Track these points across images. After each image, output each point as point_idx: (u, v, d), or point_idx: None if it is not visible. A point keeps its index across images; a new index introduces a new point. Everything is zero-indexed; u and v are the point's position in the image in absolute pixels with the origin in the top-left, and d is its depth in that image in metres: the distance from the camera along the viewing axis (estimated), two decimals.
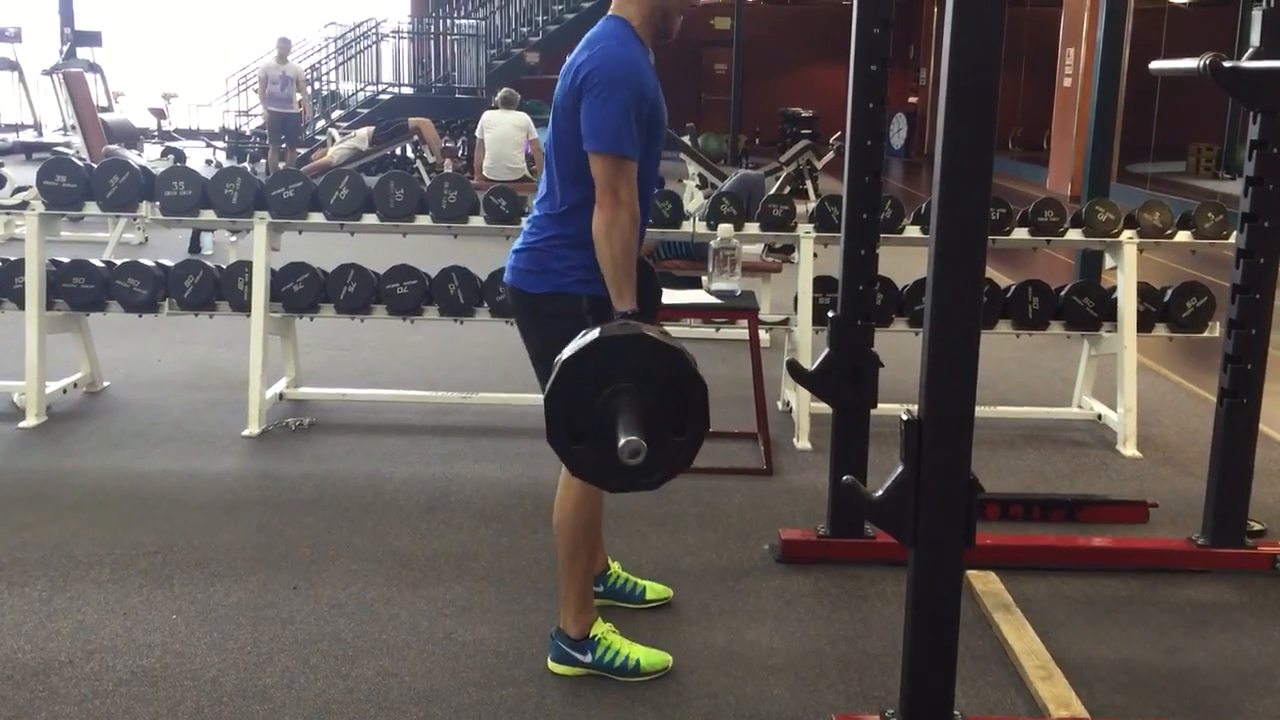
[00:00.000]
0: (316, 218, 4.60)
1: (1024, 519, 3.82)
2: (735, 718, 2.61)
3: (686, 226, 4.82)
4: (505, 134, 10.05)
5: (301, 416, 4.73)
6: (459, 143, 14.31)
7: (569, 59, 2.70)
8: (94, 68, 15.92)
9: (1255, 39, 3.14)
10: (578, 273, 2.65)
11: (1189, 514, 3.75)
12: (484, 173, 9.90)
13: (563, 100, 2.65)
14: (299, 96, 14.00)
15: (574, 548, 2.79)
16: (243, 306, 4.59)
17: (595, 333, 2.13)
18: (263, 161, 14.23)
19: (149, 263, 4.70)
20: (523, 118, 10.33)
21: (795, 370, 3.60)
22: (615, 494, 2.82)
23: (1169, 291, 4.73)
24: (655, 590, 3.16)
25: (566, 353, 2.13)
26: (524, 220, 2.87)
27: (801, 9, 24.97)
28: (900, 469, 2.28)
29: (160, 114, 19.25)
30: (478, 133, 10.23)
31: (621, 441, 1.96)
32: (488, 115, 10.26)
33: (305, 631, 2.95)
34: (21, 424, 4.55)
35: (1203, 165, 17.08)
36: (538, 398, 4.66)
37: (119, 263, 4.73)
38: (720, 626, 3.04)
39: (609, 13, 2.76)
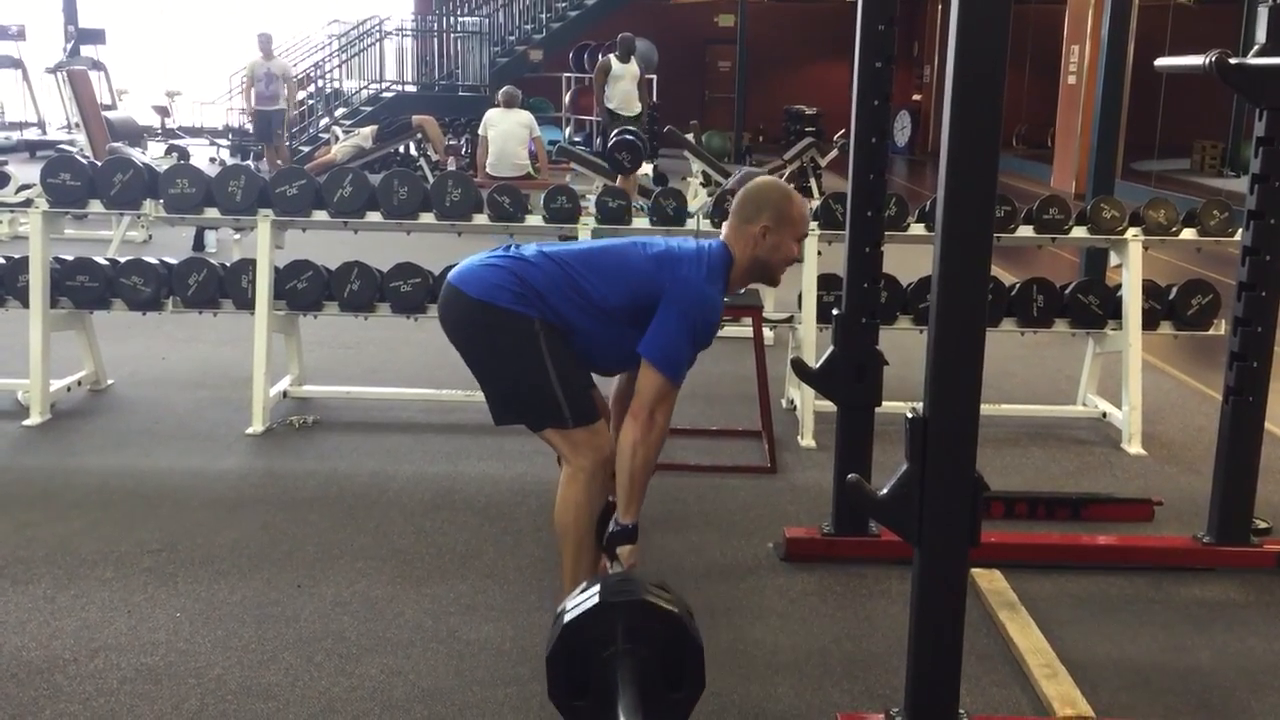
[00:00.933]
0: (320, 215, 4.60)
1: (1029, 517, 3.81)
2: (740, 716, 2.61)
3: (690, 224, 4.81)
4: (509, 131, 10.04)
5: (305, 414, 4.73)
6: (462, 140, 14.29)
7: (666, 243, 2.89)
8: (98, 65, 15.92)
9: (1261, 36, 3.13)
10: (521, 304, 2.78)
11: (1194, 512, 3.74)
12: (488, 170, 9.89)
13: (641, 266, 2.83)
14: (284, 93, 13.84)
15: (578, 548, 2.79)
16: (246, 304, 4.59)
17: (596, 596, 2.17)
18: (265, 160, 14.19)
19: (153, 260, 4.70)
20: (526, 116, 10.32)
21: (799, 368, 3.60)
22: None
23: (1174, 289, 4.72)
24: None
25: (569, 615, 2.17)
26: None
27: (806, 6, 24.93)
28: (905, 467, 2.28)
29: (164, 112, 19.24)
30: (481, 130, 10.22)
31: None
32: (491, 113, 10.26)
33: (309, 629, 2.95)
34: (25, 422, 4.55)
35: (1208, 162, 17.03)
36: None
37: (123, 260, 4.74)
38: (724, 625, 3.03)
39: (723, 237, 2.94)
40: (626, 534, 2.79)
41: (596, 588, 2.19)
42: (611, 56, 12.79)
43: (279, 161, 13.00)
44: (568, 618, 2.16)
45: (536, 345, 2.76)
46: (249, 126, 15.80)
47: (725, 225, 3.00)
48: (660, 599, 2.18)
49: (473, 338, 2.85)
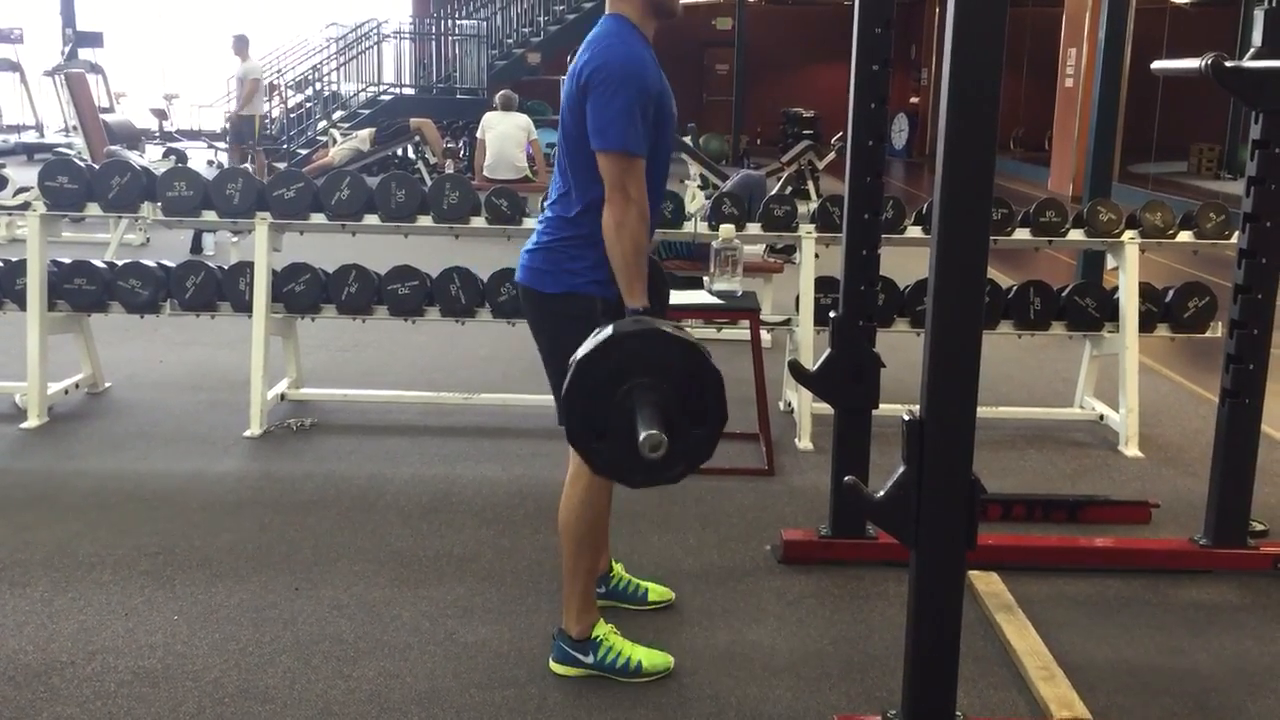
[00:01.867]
0: (318, 218, 4.60)
1: (1026, 519, 3.81)
2: (737, 718, 2.61)
3: (688, 227, 4.82)
4: (507, 133, 10.05)
5: (303, 417, 4.73)
6: (460, 143, 14.29)
7: (573, 62, 2.71)
8: (95, 68, 15.92)
9: (1257, 39, 3.14)
10: (593, 273, 2.65)
11: (1191, 514, 3.74)
12: (485, 172, 9.90)
13: (569, 102, 2.65)
14: (237, 94, 13.47)
15: (579, 548, 2.78)
16: (244, 307, 4.59)
17: (609, 330, 2.13)
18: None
19: (150, 263, 4.70)
20: (523, 119, 10.33)
21: (797, 370, 3.60)
22: (617, 494, 2.84)
23: (1171, 292, 4.73)
24: (657, 592, 3.16)
25: (582, 351, 2.13)
26: (535, 220, 2.86)
27: (803, 9, 24.96)
28: (902, 469, 2.28)
29: (162, 115, 19.26)
30: (479, 133, 10.23)
31: (642, 436, 1.96)
32: (488, 116, 10.27)
33: (307, 632, 2.95)
34: (23, 425, 4.55)
35: (1204, 165, 17.07)
36: (539, 398, 4.65)
37: (120, 263, 4.73)
38: (722, 627, 3.04)
39: (607, 12, 2.76)
40: (639, 316, 2.68)
41: (611, 325, 2.10)
42: None
43: (246, 166, 12.58)
44: (581, 354, 2.06)
45: (562, 336, 2.64)
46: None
47: None
48: (677, 331, 2.10)
49: (533, 329, 2.83)
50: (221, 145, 16.70)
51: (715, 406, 2.05)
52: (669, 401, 2.04)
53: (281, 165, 11.55)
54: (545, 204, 2.83)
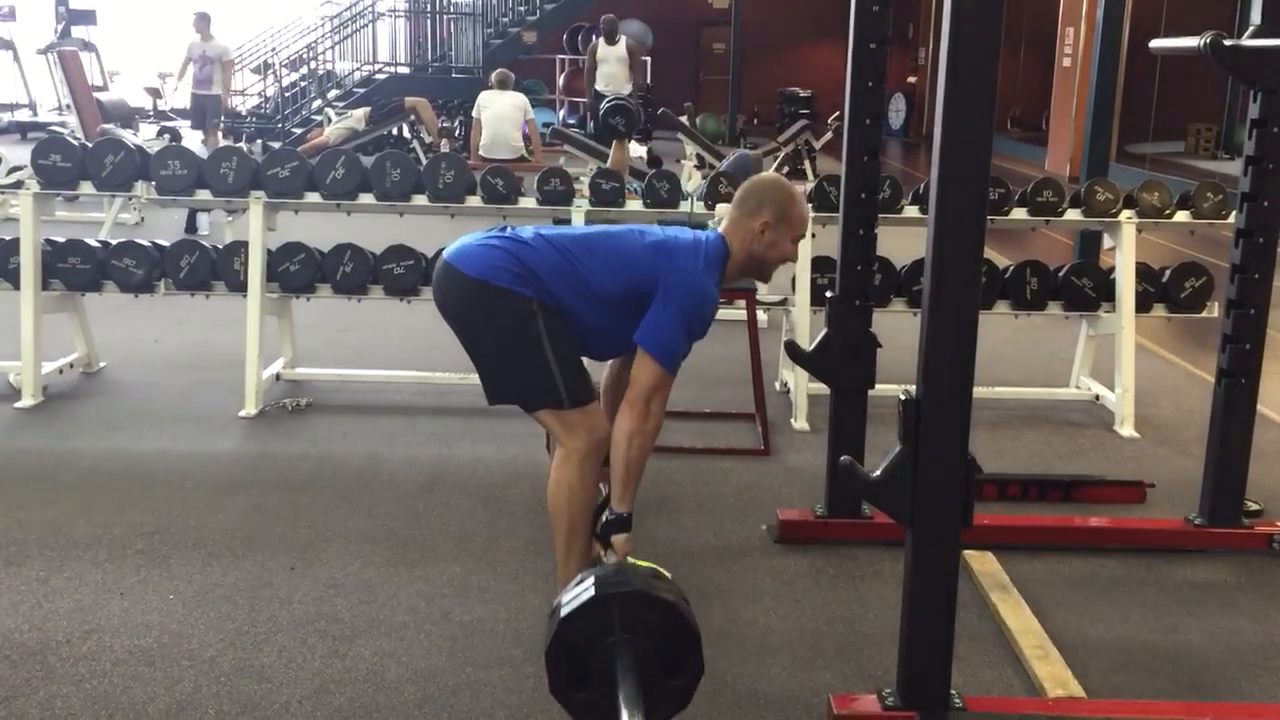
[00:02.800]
0: (313, 197, 4.59)
1: (1021, 499, 3.82)
2: (732, 697, 2.62)
3: (684, 207, 4.80)
4: (503, 112, 10.01)
5: (298, 397, 4.73)
6: (456, 123, 14.23)
7: (663, 232, 2.89)
8: (89, 46, 15.82)
9: (1255, 17, 3.12)
10: (519, 284, 2.78)
11: (1186, 494, 3.75)
12: (481, 152, 9.86)
13: (641, 254, 2.83)
14: (218, 77, 12.69)
15: (571, 532, 2.79)
16: (239, 287, 4.58)
17: (592, 591, 2.16)
18: (259, 142, 14.08)
19: (145, 243, 4.68)
20: (519, 98, 10.28)
21: (793, 351, 3.60)
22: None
23: (1168, 272, 4.73)
24: (653, 572, 3.15)
25: (565, 609, 2.16)
26: (490, 234, 2.91)
27: None
28: (898, 449, 2.28)
29: (156, 93, 19.13)
30: (474, 112, 10.19)
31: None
32: (484, 95, 10.22)
33: (303, 611, 2.95)
34: (18, 404, 4.54)
35: (1202, 145, 17.02)
36: None
37: (115, 243, 4.72)
38: (718, 606, 3.04)
39: (720, 229, 2.94)
40: (621, 523, 2.79)
41: (591, 580, 2.20)
42: (601, 40, 12.79)
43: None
44: (564, 611, 2.16)
45: (534, 325, 2.76)
46: (243, 110, 15.70)
47: (725, 217, 3.00)
48: (656, 588, 2.18)
49: (470, 316, 2.84)
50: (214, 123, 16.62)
51: (693, 660, 2.16)
52: (648, 657, 2.13)
53: (276, 145, 11.51)
54: (511, 230, 2.92)
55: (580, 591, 2.18)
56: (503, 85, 10.23)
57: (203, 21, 12.67)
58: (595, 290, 2.80)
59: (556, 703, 2.19)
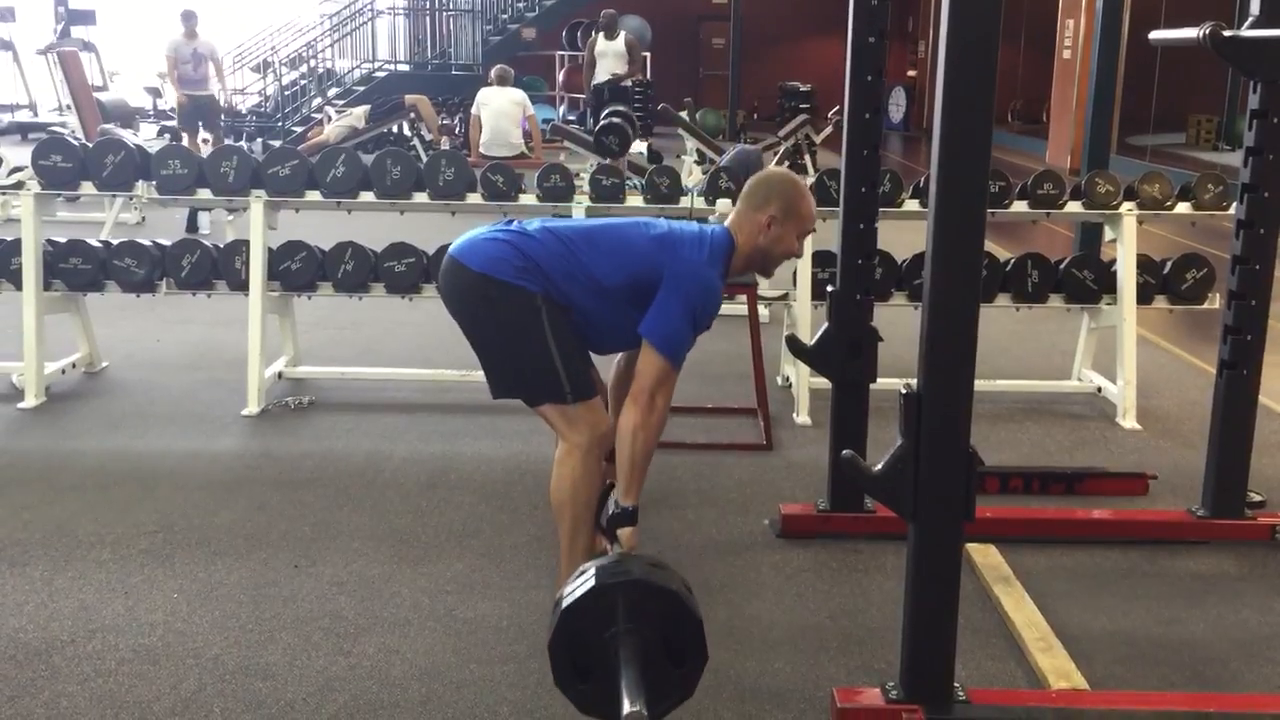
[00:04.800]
0: (313, 196, 4.59)
1: (1024, 492, 3.82)
2: (736, 691, 2.62)
3: (685, 202, 4.80)
4: (502, 109, 10.01)
5: (300, 395, 4.73)
6: (455, 120, 14.23)
7: (668, 224, 2.89)
8: (89, 46, 15.82)
9: (1255, 8, 3.12)
10: (523, 277, 2.77)
11: (1189, 486, 3.75)
12: (481, 149, 9.86)
13: (644, 246, 2.82)
14: (212, 75, 12.23)
15: (574, 527, 2.80)
16: (240, 285, 4.58)
17: (593, 580, 2.16)
18: (259, 140, 14.07)
19: (146, 242, 4.68)
20: (520, 94, 10.28)
21: (794, 345, 3.60)
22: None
23: (1169, 263, 4.73)
24: None
25: (566, 600, 2.16)
26: (497, 227, 2.91)
27: None
28: (900, 443, 2.28)
29: (156, 93, 19.13)
30: (474, 110, 10.18)
31: (625, 711, 2.04)
32: (484, 92, 10.22)
33: (306, 609, 2.96)
34: (20, 405, 4.55)
35: (1202, 137, 17.01)
36: None
37: (116, 243, 4.72)
38: (720, 601, 3.04)
39: (728, 222, 2.94)
40: (627, 516, 2.79)
41: (592, 570, 2.20)
42: (600, 35, 12.80)
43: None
44: (565, 603, 2.17)
45: (539, 319, 2.75)
46: (243, 109, 15.66)
47: (732, 210, 3.00)
48: (656, 577, 2.19)
49: (474, 310, 2.84)
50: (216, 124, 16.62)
51: (696, 647, 2.15)
52: (651, 646, 2.13)
53: (276, 143, 11.49)
54: (515, 224, 2.91)
55: (581, 583, 2.18)
56: (503, 82, 10.22)
57: (190, 20, 12.26)
58: (599, 283, 2.80)
59: (561, 696, 2.18)
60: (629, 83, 12.79)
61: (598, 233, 2.89)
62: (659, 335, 2.74)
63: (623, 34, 12.88)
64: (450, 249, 2.91)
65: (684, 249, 2.81)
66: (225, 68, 13.96)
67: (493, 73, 10.50)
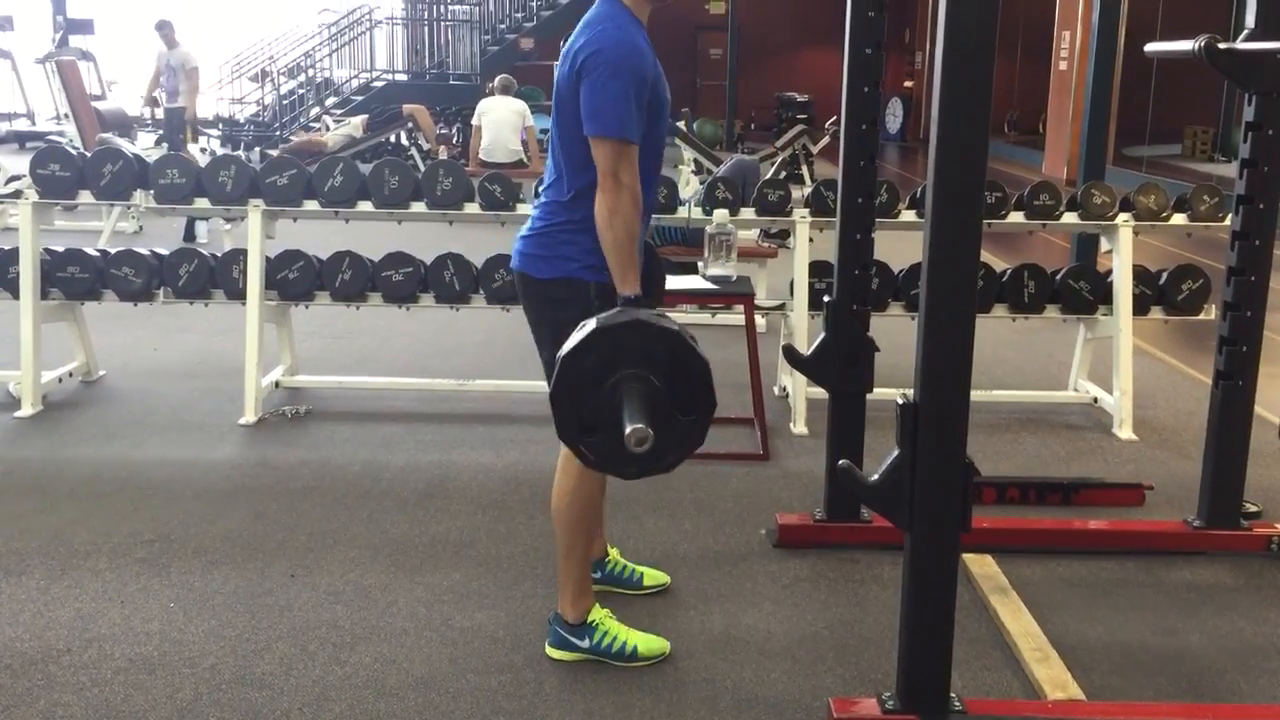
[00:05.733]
0: (311, 205, 4.59)
1: (1020, 502, 3.82)
2: (732, 701, 2.62)
3: (682, 212, 4.81)
4: (503, 118, 10.04)
5: (298, 404, 4.73)
6: (453, 129, 14.26)
7: (566, 44, 2.69)
8: (87, 55, 15.87)
9: (1250, 20, 3.13)
10: (586, 258, 2.63)
11: (1185, 496, 3.76)
12: (481, 156, 9.89)
13: (563, 86, 2.64)
14: (183, 87, 12.01)
15: (572, 534, 2.79)
16: (238, 294, 4.58)
17: (592, 324, 2.12)
18: (257, 150, 14.09)
19: (143, 251, 4.69)
20: (520, 104, 10.32)
21: (791, 355, 3.60)
22: (613, 480, 2.84)
23: (1164, 274, 4.74)
24: (653, 576, 3.17)
25: (566, 347, 2.12)
26: (531, 206, 2.86)
27: None
28: (896, 453, 2.28)
29: (154, 102, 19.16)
30: (475, 119, 10.21)
31: (627, 430, 1.96)
32: (485, 101, 10.26)
33: (303, 619, 2.96)
34: (17, 413, 4.54)
35: (1198, 148, 17.06)
36: (533, 384, 4.66)
37: (113, 251, 4.72)
38: (717, 611, 3.04)
39: None
40: (634, 303, 2.61)
41: (593, 319, 2.10)
42: None
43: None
44: (565, 349, 2.08)
45: (557, 321, 2.65)
46: (241, 119, 15.67)
47: None
48: (657, 319, 2.10)
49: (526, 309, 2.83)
50: (215, 133, 16.65)
51: (703, 394, 2.05)
52: (656, 392, 2.04)
53: (274, 153, 11.49)
54: (540, 189, 2.83)
55: (582, 329, 2.10)
56: (505, 91, 10.26)
57: (167, 28, 12.02)
58: (579, 156, 2.62)
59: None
60: None
61: (552, 136, 2.74)
62: (593, 120, 2.55)
63: None
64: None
65: (580, 42, 2.61)
66: (223, 78, 14.00)
67: (495, 82, 10.53)
